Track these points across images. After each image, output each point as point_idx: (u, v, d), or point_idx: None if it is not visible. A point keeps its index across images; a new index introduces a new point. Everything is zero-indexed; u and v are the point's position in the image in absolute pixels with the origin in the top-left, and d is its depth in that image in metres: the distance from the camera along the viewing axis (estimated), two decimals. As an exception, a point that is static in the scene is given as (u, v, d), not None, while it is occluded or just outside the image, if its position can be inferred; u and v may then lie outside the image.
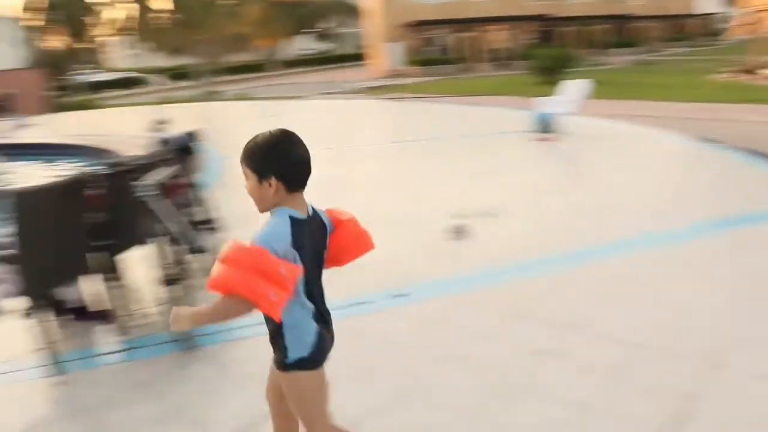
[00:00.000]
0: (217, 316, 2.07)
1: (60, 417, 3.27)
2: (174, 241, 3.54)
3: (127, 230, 3.76)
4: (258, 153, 2.06)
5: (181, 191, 4.02)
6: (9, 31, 42.99)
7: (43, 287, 3.58)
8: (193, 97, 28.70)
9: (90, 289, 4.09)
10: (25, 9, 41.29)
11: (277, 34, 49.17)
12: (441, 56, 37.63)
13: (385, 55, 37.94)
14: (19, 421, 3.28)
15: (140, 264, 4.16)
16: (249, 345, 3.82)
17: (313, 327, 2.14)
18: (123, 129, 16.76)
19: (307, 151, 2.10)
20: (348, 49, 59.76)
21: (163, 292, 3.71)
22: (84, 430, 3.11)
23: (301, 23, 55.12)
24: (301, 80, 38.65)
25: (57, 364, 3.54)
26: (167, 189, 3.70)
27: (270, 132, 2.09)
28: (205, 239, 4.29)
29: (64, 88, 33.85)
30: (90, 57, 48.79)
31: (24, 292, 3.47)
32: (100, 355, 3.88)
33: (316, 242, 2.14)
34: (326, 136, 13.66)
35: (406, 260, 5.20)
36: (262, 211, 2.10)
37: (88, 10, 42.24)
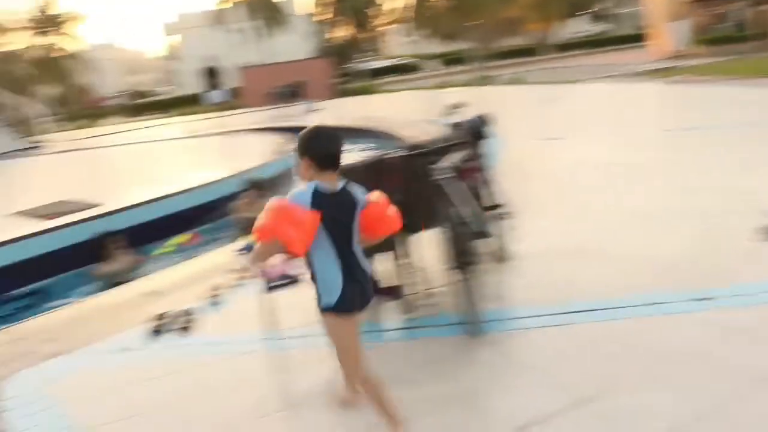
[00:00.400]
0: (260, 253, 2.71)
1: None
2: (464, 224, 3.52)
3: (422, 212, 3.83)
4: (299, 140, 2.71)
5: (473, 175, 4.00)
6: (302, 25, 47.40)
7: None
8: (467, 81, 29.10)
9: (379, 265, 4.25)
10: (317, 4, 45.11)
11: (551, 17, 48.09)
12: (735, 33, 33.89)
13: (668, 35, 35.22)
14: (307, 384, 3.51)
15: (430, 245, 4.22)
16: (533, 334, 3.71)
17: (339, 281, 2.69)
18: (401, 112, 17.55)
19: (333, 142, 2.75)
20: (625, 30, 56.56)
21: (450, 274, 3.72)
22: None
23: (575, 5, 53.32)
24: (576, 63, 37.35)
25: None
26: (461, 173, 3.69)
27: (311, 126, 2.76)
28: (493, 224, 4.24)
29: (346, 75, 36.39)
30: (370, 45, 51.86)
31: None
32: (387, 330, 4.02)
33: (341, 212, 2.70)
34: (603, 121, 13.02)
35: (702, 259, 4.64)
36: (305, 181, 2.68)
37: (370, 1, 44.88)
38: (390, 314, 4.20)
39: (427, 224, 4.01)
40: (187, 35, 66.17)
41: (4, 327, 5.07)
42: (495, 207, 4.35)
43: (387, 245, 3.92)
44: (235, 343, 4.05)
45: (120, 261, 6.97)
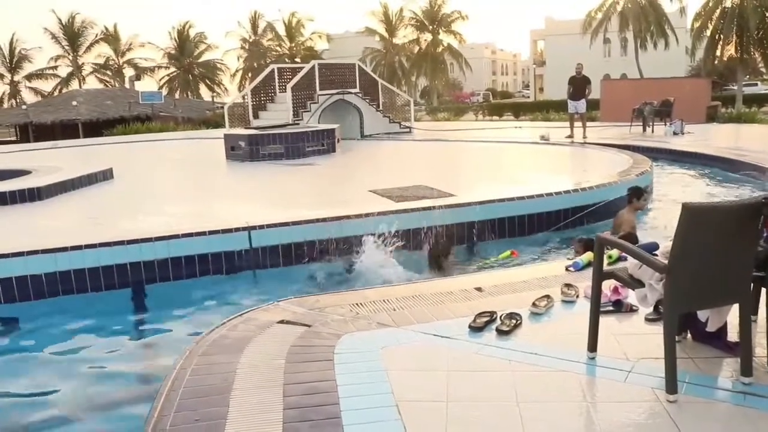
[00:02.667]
0: None
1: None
2: None
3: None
4: None
5: None
6: (682, 40, 44.57)
7: (685, 304, 3.49)
8: None
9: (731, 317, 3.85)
10: (696, 18, 41.73)
11: None
12: None
13: None
14: (611, 421, 3.30)
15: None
16: None
17: None
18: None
19: None
20: None
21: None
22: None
23: None
24: None
25: (671, 380, 3.42)
26: None
27: None
28: None
29: (722, 99, 33.33)
30: (754, 68, 46.78)
31: (664, 303, 3.44)
32: (716, 388, 3.61)
33: None
34: None
35: None
36: None
37: (762, 19, 40.02)
38: (726, 371, 3.78)
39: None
40: (552, 41, 66.88)
41: (348, 290, 5.68)
42: None
43: (739, 296, 3.52)
44: (552, 358, 3.99)
45: (449, 270, 7.22)
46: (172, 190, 11.80)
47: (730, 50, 41.84)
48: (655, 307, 4.12)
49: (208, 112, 39.77)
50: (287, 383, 3.77)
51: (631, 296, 4.71)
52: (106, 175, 12.64)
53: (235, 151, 15.48)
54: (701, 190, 12.32)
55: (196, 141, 22.87)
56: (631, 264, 3.78)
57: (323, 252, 7.58)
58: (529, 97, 70.98)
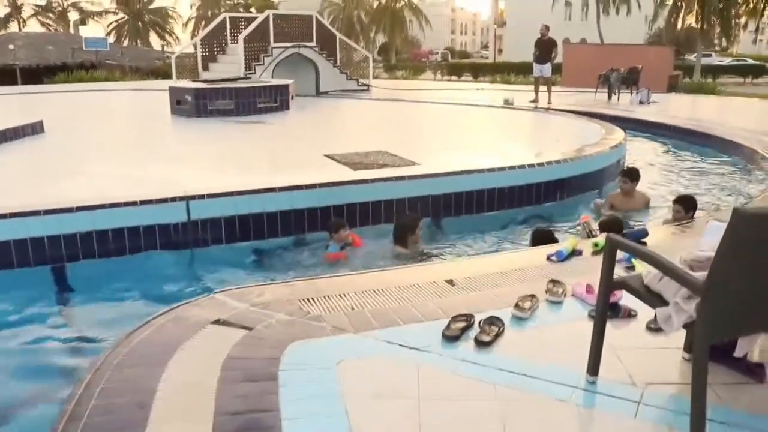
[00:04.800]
0: None
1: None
2: None
3: None
4: None
5: None
6: (645, 6, 44.11)
7: (722, 332, 2.78)
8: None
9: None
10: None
11: None
12: None
13: None
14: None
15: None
16: None
17: None
18: (746, 122, 15.28)
19: None
20: None
21: None
22: None
23: None
24: None
25: (698, 427, 2.75)
26: None
27: None
28: None
29: (683, 69, 33.05)
30: (712, 39, 46.71)
31: (695, 330, 2.74)
32: (751, 429, 2.95)
33: None
34: None
35: None
36: None
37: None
38: (754, 403, 3.13)
39: None
40: (513, 1, 66.02)
41: (297, 279, 4.89)
42: None
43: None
44: (545, 381, 3.28)
45: (415, 245, 6.47)
46: (107, 148, 10.71)
47: (691, 20, 41.56)
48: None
49: (158, 61, 37.98)
50: (219, 413, 2.99)
51: (626, 297, 4.05)
52: (35, 129, 11.45)
53: (181, 105, 14.39)
54: (679, 166, 11.76)
55: (142, 92, 21.53)
56: (648, 274, 3.07)
57: (271, 227, 6.75)
58: (488, 57, 70.07)
